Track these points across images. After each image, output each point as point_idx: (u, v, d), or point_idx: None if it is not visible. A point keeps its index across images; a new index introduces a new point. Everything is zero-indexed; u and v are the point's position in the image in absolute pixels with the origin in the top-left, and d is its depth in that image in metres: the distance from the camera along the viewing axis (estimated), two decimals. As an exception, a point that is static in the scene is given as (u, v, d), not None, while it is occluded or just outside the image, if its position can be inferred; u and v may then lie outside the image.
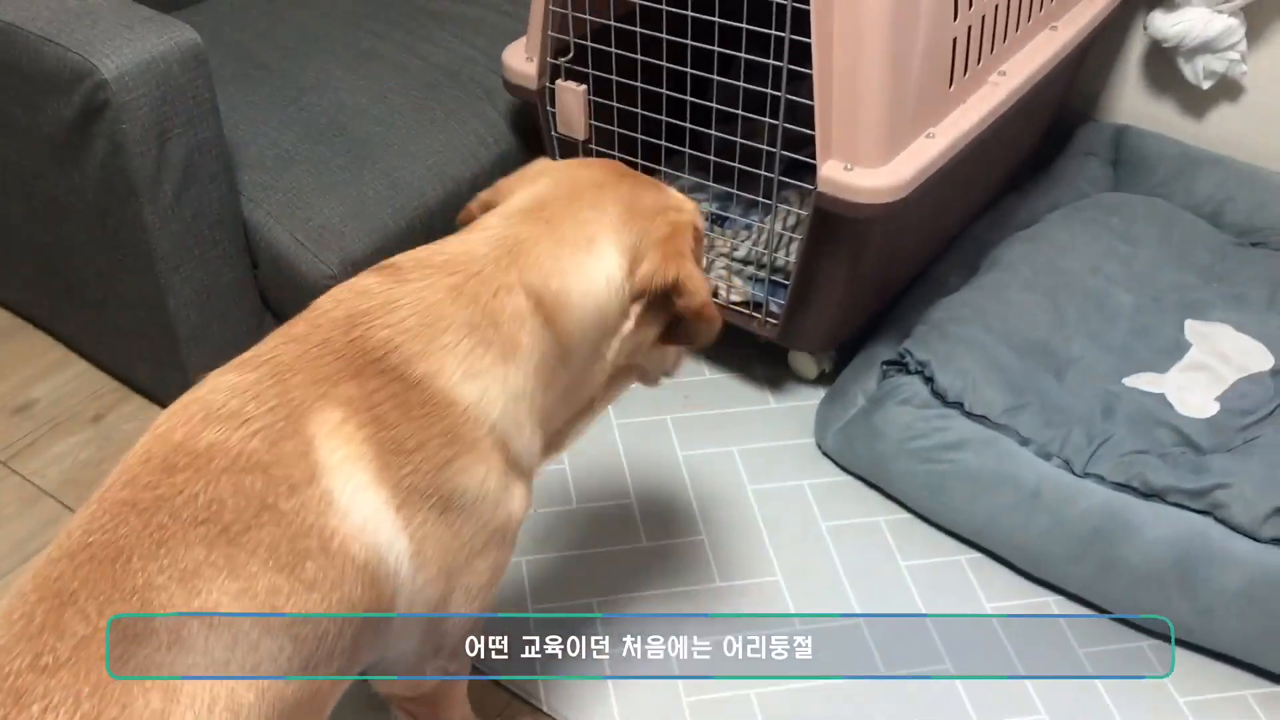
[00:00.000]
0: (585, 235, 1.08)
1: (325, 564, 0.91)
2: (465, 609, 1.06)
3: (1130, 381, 1.69)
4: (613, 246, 1.08)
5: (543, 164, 1.19)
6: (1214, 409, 1.65)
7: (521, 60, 1.76)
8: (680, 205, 1.16)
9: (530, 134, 1.90)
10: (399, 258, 1.08)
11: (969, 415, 1.60)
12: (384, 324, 1.00)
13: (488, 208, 1.14)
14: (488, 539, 1.04)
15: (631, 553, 1.60)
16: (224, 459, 0.91)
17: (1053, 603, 1.55)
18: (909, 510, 1.67)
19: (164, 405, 1.88)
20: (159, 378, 1.80)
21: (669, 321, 1.14)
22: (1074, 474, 1.53)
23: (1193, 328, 1.79)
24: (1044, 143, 2.26)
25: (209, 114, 1.53)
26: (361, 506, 0.94)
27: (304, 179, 1.70)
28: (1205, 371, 1.71)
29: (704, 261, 1.78)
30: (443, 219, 1.74)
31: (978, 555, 1.61)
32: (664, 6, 1.59)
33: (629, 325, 1.11)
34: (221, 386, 0.97)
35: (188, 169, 1.53)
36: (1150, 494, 1.49)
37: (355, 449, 0.95)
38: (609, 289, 1.08)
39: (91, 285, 1.75)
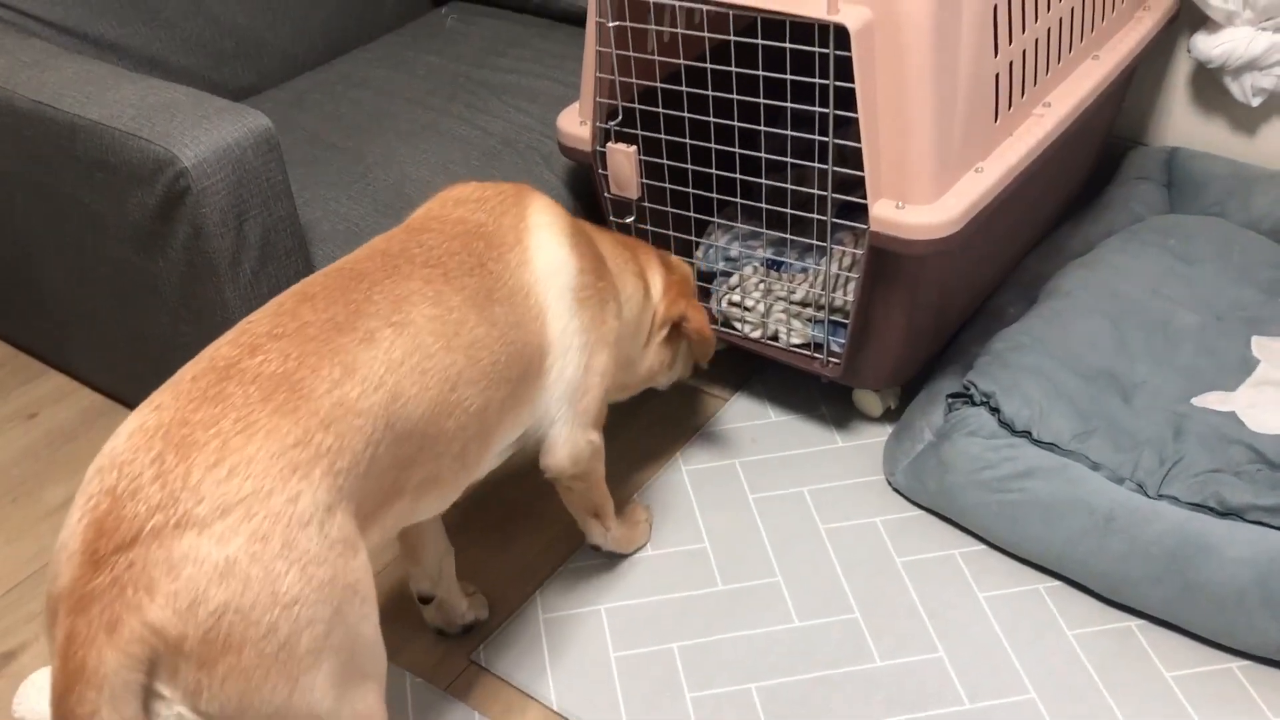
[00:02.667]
0: (647, 261, 1.63)
1: (509, 309, 1.27)
2: (598, 388, 1.42)
3: (1199, 401, 1.68)
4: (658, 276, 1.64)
5: None
6: (1287, 424, 1.64)
7: (575, 124, 1.82)
8: (679, 264, 1.72)
9: (588, 195, 1.95)
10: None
11: (1037, 443, 1.61)
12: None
13: None
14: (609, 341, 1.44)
15: (708, 597, 1.62)
16: (462, 226, 1.31)
17: (1135, 627, 1.54)
18: (983, 541, 1.68)
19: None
20: (244, 449, 1.87)
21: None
22: (1148, 496, 1.53)
23: (1260, 344, 1.78)
24: (1094, 172, 2.27)
25: (283, 194, 1.61)
26: (550, 261, 1.34)
27: (373, 250, 1.77)
28: (1276, 387, 1.70)
29: (759, 303, 1.83)
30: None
31: (1055, 583, 1.61)
32: (709, 65, 1.65)
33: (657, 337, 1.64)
34: (470, 185, 1.40)
35: (265, 247, 1.61)
36: (1227, 513, 1.48)
37: (557, 219, 1.37)
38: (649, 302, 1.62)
39: (177, 364, 1.82)
